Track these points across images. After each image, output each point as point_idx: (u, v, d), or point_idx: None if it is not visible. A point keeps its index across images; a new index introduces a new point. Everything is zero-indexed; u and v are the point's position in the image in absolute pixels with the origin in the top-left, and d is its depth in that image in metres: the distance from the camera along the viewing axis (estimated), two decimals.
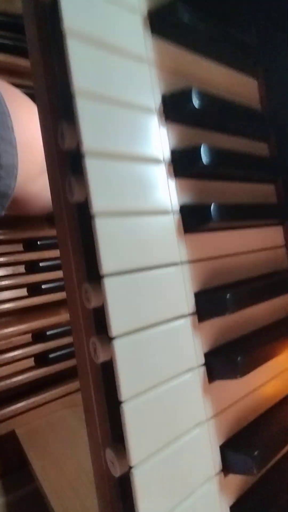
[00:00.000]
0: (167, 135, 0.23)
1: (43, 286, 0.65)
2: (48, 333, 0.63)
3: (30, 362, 0.61)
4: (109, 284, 0.17)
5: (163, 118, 0.23)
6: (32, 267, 0.65)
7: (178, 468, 0.19)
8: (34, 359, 0.61)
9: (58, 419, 0.59)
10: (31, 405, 0.58)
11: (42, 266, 0.65)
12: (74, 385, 0.65)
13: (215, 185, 0.26)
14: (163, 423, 0.19)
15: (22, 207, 0.41)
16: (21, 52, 0.61)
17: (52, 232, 0.70)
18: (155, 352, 0.19)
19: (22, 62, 0.59)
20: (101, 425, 0.21)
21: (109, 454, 0.19)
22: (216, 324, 0.24)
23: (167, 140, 0.23)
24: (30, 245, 0.65)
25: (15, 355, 0.59)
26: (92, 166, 0.17)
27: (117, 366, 0.17)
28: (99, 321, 0.20)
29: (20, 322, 0.64)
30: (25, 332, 0.63)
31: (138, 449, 0.17)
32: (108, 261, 0.17)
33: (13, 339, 0.61)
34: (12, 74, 0.60)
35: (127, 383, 0.17)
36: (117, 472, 0.19)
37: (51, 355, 0.62)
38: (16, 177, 0.33)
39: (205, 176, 0.25)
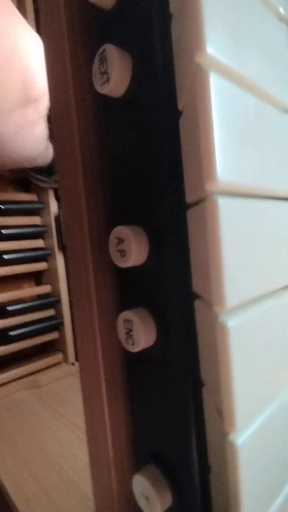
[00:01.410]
0: None
1: (5, 256, 0.57)
2: (9, 308, 0.57)
3: None
4: None
5: None
6: None
7: None
8: None
9: (18, 401, 0.54)
10: None
11: (5, 234, 0.58)
12: (37, 364, 0.60)
13: None
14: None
15: None
16: None
17: (18, 196, 0.62)
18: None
19: None
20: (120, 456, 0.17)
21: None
22: None
23: None
24: None
25: None
26: None
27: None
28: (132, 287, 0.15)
29: None
30: None
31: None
32: None
33: None
34: None
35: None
36: None
37: (11, 333, 0.56)
38: None
39: None
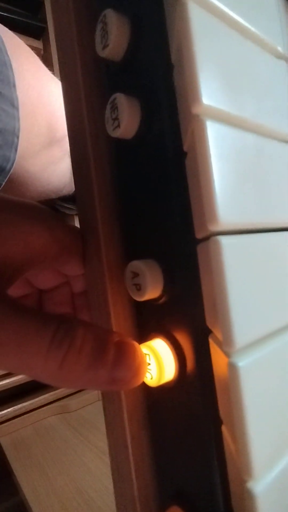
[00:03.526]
0: None
1: None
2: None
3: None
4: None
5: None
6: None
7: None
8: None
9: (46, 427, 0.55)
10: (17, 411, 0.54)
11: None
12: (66, 390, 0.60)
13: None
14: None
15: (14, 189, 0.32)
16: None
17: None
18: None
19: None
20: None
21: None
22: None
23: None
24: None
25: None
26: None
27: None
28: None
29: None
30: None
31: None
32: None
33: None
34: None
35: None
36: None
37: None
38: (16, 147, 0.26)
39: None
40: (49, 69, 0.72)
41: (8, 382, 0.55)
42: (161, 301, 0.15)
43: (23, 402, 0.55)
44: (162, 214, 0.14)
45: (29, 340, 0.11)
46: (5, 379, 0.55)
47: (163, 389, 0.15)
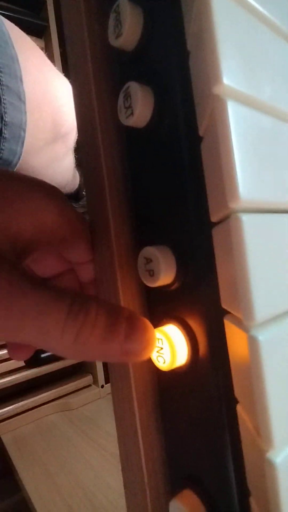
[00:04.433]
0: None
1: None
2: None
3: (20, 362, 0.56)
4: None
5: None
6: None
7: None
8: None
9: (48, 425, 0.55)
10: (20, 409, 0.54)
11: None
12: (68, 387, 0.60)
13: None
14: None
15: None
16: None
17: None
18: None
19: None
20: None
21: None
22: None
23: None
24: None
25: (2, 354, 0.54)
26: None
27: None
28: None
29: None
30: None
31: None
32: None
33: None
34: None
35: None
36: None
37: (43, 355, 0.57)
38: (23, 142, 0.26)
39: None
40: None
41: (10, 380, 0.55)
42: (174, 287, 0.15)
43: (24, 399, 0.55)
44: (176, 200, 0.14)
45: (48, 311, 0.11)
46: (7, 376, 0.55)
47: (176, 374, 0.15)
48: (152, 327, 0.14)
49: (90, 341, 0.12)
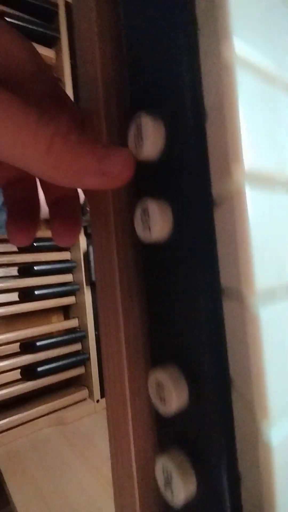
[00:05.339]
0: None
1: (36, 292, 0.60)
2: (38, 343, 0.58)
3: (16, 374, 0.55)
4: None
5: None
6: (25, 270, 0.59)
7: None
8: (21, 372, 0.55)
9: (42, 439, 0.54)
10: (14, 422, 0.53)
11: (37, 270, 0.60)
12: (63, 401, 0.60)
13: None
14: None
15: None
16: None
17: (50, 233, 0.65)
18: None
19: None
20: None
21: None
22: None
23: None
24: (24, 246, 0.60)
25: (0, 366, 0.54)
26: None
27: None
28: None
29: (8, 329, 0.59)
30: (13, 341, 0.57)
31: None
32: None
33: (0, 348, 0.55)
34: None
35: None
36: None
37: (39, 368, 0.56)
38: None
39: None
40: (59, 77, 0.71)
41: (5, 393, 0.54)
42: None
43: (19, 413, 0.54)
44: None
45: (18, 113, 0.11)
46: (2, 389, 0.54)
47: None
48: (132, 153, 0.13)
49: (64, 153, 0.12)
